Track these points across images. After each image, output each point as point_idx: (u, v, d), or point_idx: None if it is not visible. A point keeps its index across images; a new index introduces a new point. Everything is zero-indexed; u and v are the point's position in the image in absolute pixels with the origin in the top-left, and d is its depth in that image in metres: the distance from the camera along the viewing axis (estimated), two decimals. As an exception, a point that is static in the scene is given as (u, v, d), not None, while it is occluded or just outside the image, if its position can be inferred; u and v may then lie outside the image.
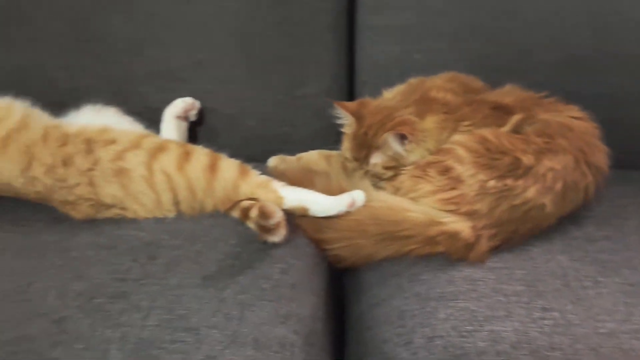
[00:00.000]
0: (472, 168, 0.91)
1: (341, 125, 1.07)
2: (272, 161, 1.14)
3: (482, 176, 0.90)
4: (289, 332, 0.80)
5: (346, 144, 1.06)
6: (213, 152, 0.98)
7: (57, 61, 1.13)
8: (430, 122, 1.00)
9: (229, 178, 0.95)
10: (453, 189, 0.90)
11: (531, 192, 0.90)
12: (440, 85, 1.04)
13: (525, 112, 0.99)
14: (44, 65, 1.13)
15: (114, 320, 0.77)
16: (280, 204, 0.94)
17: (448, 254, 0.89)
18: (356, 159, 1.04)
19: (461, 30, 1.12)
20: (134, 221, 0.95)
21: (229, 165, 0.96)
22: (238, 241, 0.91)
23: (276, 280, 0.86)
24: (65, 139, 0.95)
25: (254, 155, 1.12)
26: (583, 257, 0.90)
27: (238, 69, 1.14)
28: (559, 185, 0.91)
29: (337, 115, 1.06)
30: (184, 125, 1.11)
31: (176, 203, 0.95)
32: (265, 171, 1.01)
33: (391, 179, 1.02)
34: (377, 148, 1.01)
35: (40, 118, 1.00)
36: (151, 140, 0.97)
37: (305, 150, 1.17)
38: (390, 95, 1.08)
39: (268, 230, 0.88)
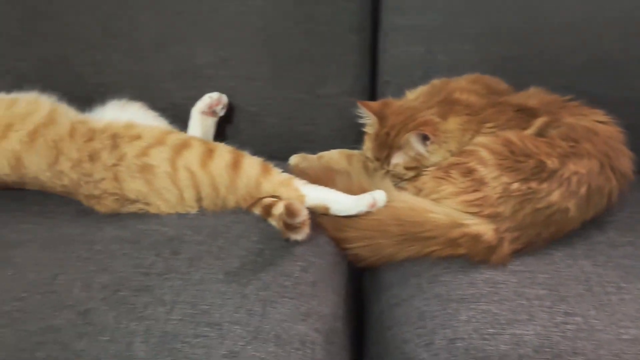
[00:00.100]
0: (495, 170, 0.90)
1: (363, 125, 1.07)
2: (294, 159, 1.14)
3: (505, 179, 0.89)
4: (310, 329, 0.81)
5: (368, 144, 1.06)
6: (236, 149, 0.99)
7: (84, 56, 1.14)
8: (453, 123, 1.00)
9: (251, 176, 0.96)
10: (476, 190, 0.90)
11: (555, 196, 0.89)
12: (464, 86, 1.04)
13: (550, 115, 0.98)
14: (71, 60, 1.15)
15: (138, 314, 0.78)
16: (301, 202, 0.94)
17: (470, 256, 0.88)
18: (377, 159, 1.04)
19: (486, 32, 1.11)
20: (157, 216, 0.96)
21: (251, 163, 0.97)
22: (260, 238, 0.92)
23: (297, 278, 0.87)
24: (91, 135, 0.96)
25: (274, 152, 1.13)
26: (606, 262, 0.90)
27: (262, 67, 1.14)
28: (583, 190, 0.91)
29: (360, 114, 1.06)
30: (211, 121, 1.12)
31: (199, 199, 0.96)
32: (287, 169, 1.01)
33: (412, 179, 1.02)
34: (399, 148, 1.01)
35: (67, 113, 1.02)
36: (175, 136, 0.98)
37: (326, 149, 1.17)
38: (414, 96, 1.08)
39: (293, 228, 0.88)
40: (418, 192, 0.97)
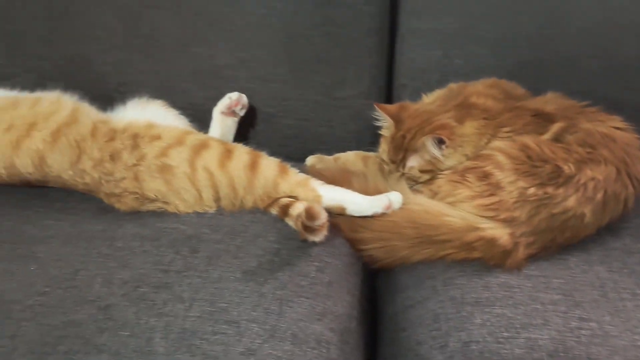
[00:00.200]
0: (512, 175, 0.91)
1: (379, 127, 1.08)
2: (310, 160, 1.15)
3: (522, 183, 0.90)
4: (325, 329, 0.82)
5: (384, 146, 1.07)
6: (253, 150, 1.00)
7: (107, 56, 1.16)
8: (469, 127, 1.00)
9: (269, 176, 0.97)
10: (492, 195, 0.91)
11: (571, 202, 0.89)
12: (481, 91, 1.05)
13: (567, 121, 0.98)
14: (94, 60, 1.17)
15: (157, 310, 0.79)
16: (318, 202, 0.95)
17: (485, 260, 0.89)
18: (393, 162, 1.05)
19: (503, 36, 1.11)
20: (176, 214, 0.97)
21: (269, 164, 0.98)
22: (277, 238, 0.93)
23: (313, 278, 0.88)
24: (112, 134, 0.98)
25: (291, 153, 1.14)
26: (621, 268, 0.90)
27: (280, 69, 1.15)
28: (599, 196, 0.91)
29: (376, 117, 1.07)
30: (231, 121, 1.13)
31: (217, 199, 0.98)
32: (303, 170, 1.02)
33: (427, 182, 1.02)
34: (415, 151, 1.02)
35: (89, 112, 1.04)
36: (194, 137, 1.00)
37: (341, 150, 1.18)
38: (430, 99, 1.09)
39: (312, 230, 0.90)
40: (433, 195, 0.98)
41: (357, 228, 0.97)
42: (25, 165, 0.97)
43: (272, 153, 1.01)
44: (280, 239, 0.93)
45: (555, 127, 0.98)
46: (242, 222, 0.95)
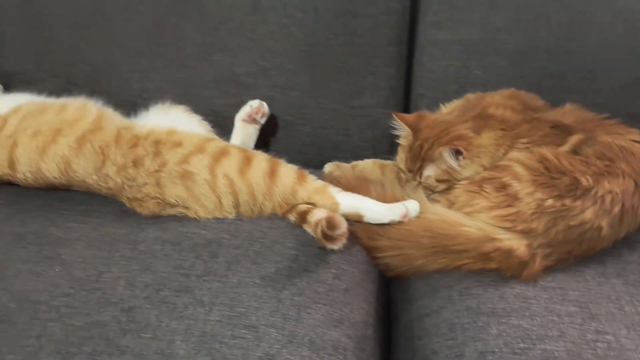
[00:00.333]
0: (530, 186, 0.91)
1: (396, 136, 1.09)
2: (328, 167, 1.17)
3: (540, 195, 0.90)
4: (342, 335, 0.83)
5: (401, 155, 1.08)
6: (272, 157, 1.01)
7: (131, 63, 1.19)
8: (486, 138, 1.01)
9: (287, 183, 0.98)
10: (510, 206, 0.91)
11: (589, 214, 0.90)
12: (499, 102, 1.05)
13: (586, 133, 0.99)
14: (119, 67, 1.19)
15: (179, 313, 0.81)
16: (335, 209, 0.97)
17: (501, 270, 0.90)
18: (410, 171, 1.06)
19: (523, 48, 1.12)
20: (196, 219, 0.99)
21: (287, 171, 1.00)
22: (294, 244, 0.94)
23: (330, 285, 0.89)
24: (135, 141, 1.00)
25: (309, 160, 1.16)
26: (637, 281, 0.90)
27: (300, 78, 1.17)
28: (617, 209, 0.91)
29: (394, 126, 1.08)
30: (252, 129, 1.15)
31: (236, 206, 0.99)
32: (321, 177, 1.04)
33: (444, 192, 1.03)
34: (432, 161, 1.02)
35: (113, 118, 1.06)
36: (215, 144, 1.01)
37: (358, 158, 1.19)
38: (448, 109, 1.10)
39: (331, 239, 0.91)
40: (451, 205, 0.98)
41: (374, 236, 0.98)
42: (51, 170, 1.00)
43: (291, 160, 1.02)
44: (298, 246, 0.94)
45: (574, 139, 0.98)
46: (261, 228, 0.97)
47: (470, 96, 1.10)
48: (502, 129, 1.02)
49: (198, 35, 1.16)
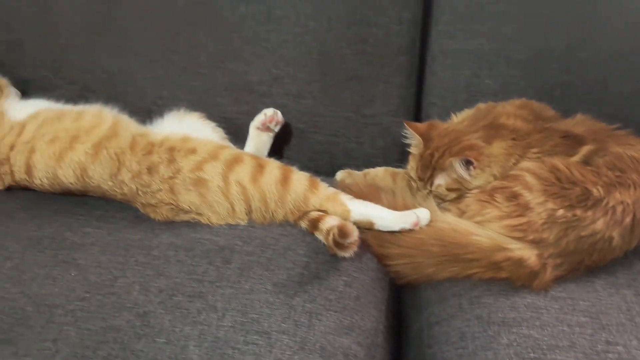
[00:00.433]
0: (541, 196, 0.92)
1: (407, 145, 1.10)
2: (340, 175, 1.18)
3: (551, 205, 0.91)
4: (353, 343, 0.84)
5: (412, 164, 1.08)
6: (284, 165, 1.02)
7: (146, 71, 1.21)
8: (497, 147, 1.02)
9: (299, 191, 0.99)
10: (521, 215, 0.92)
11: (599, 224, 0.90)
12: (510, 111, 1.06)
13: (597, 144, 0.99)
14: (134, 74, 1.21)
15: (192, 318, 0.82)
16: (347, 216, 0.98)
17: (512, 280, 0.90)
18: (421, 179, 1.06)
19: (534, 57, 1.13)
20: (209, 225, 1.00)
21: (299, 178, 1.00)
22: (306, 251, 0.95)
23: (341, 292, 0.90)
24: (150, 148, 1.01)
25: (320, 168, 1.17)
26: (648, 292, 0.90)
27: (312, 86, 1.18)
28: (628, 220, 0.91)
29: (405, 134, 1.09)
30: (266, 136, 1.16)
31: (249, 212, 1.00)
32: (332, 184, 1.04)
33: (454, 201, 1.04)
34: (442, 170, 1.03)
35: (128, 125, 1.07)
36: (228, 152, 1.03)
37: (369, 166, 1.20)
38: (459, 119, 1.11)
39: (342, 247, 0.92)
40: (461, 214, 0.99)
41: (385, 244, 0.99)
42: (67, 176, 1.01)
43: (302, 167, 1.03)
44: (310, 253, 0.95)
45: (585, 150, 0.99)
46: (273, 235, 0.98)
47: (481, 105, 1.11)
48: (513, 139, 1.02)
49: (212, 43, 1.17)
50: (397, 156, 1.20)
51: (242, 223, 1.00)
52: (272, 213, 1.00)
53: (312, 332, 0.82)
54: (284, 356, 0.78)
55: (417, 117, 1.24)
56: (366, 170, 1.18)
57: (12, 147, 1.04)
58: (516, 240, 0.91)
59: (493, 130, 1.03)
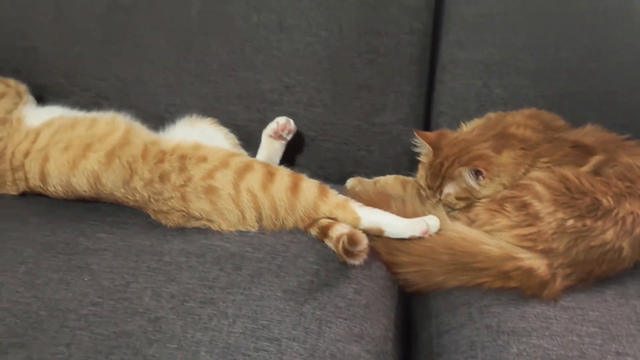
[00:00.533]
0: (551, 206, 0.92)
1: (417, 153, 1.11)
2: (350, 182, 1.18)
3: (561, 215, 0.91)
4: (362, 350, 0.84)
5: (421, 172, 1.09)
6: (294, 172, 1.03)
7: (159, 78, 1.22)
8: (506, 157, 1.02)
9: (309, 198, 1.00)
10: (530, 225, 0.92)
11: (609, 235, 0.90)
12: (520, 121, 1.06)
13: (607, 154, 0.99)
14: (147, 82, 1.23)
15: (203, 324, 0.83)
16: (357, 224, 0.98)
17: (521, 289, 0.90)
18: (430, 188, 1.07)
19: (544, 68, 1.13)
20: (219, 232, 1.01)
21: (309, 186, 1.01)
22: (316, 259, 0.96)
23: (351, 300, 0.90)
24: (162, 156, 1.02)
25: (329, 175, 1.18)
26: (658, 303, 0.90)
27: (323, 95, 1.19)
28: (638, 230, 0.92)
29: (415, 143, 1.09)
30: (278, 144, 1.17)
31: (259, 220, 1.01)
32: (342, 191, 1.05)
33: (463, 209, 1.04)
34: (452, 179, 1.04)
35: (140, 133, 1.08)
36: (238, 159, 1.04)
37: (379, 174, 1.21)
38: (469, 128, 1.11)
39: (352, 254, 0.92)
40: (471, 222, 0.99)
41: (394, 251, 0.99)
42: (81, 184, 1.03)
43: (312, 175, 1.04)
44: (319, 260, 0.96)
45: (595, 160, 0.99)
46: (283, 242, 0.99)
47: (491, 115, 1.12)
48: (523, 148, 1.03)
49: (224, 52, 1.19)
50: (407, 164, 1.21)
51: (253, 230, 1.01)
52: (283, 220, 1.01)
53: (322, 339, 0.83)
54: (294, 363, 0.79)
55: (427, 126, 1.25)
56: (376, 178, 1.19)
57: (26, 154, 1.06)
58: (526, 250, 0.91)
59: (503, 139, 1.04)
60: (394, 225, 0.98)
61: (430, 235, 0.97)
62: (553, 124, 1.07)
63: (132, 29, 1.21)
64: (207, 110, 1.19)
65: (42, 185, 1.06)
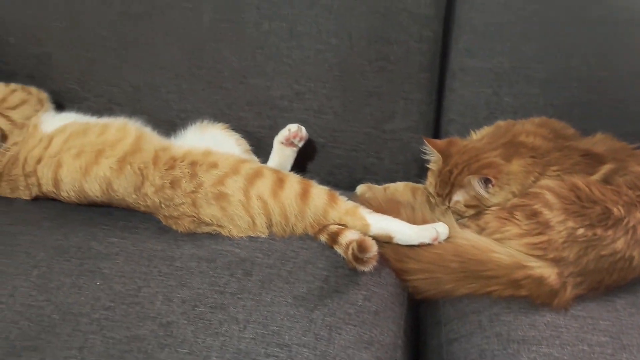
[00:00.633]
0: (561, 214, 0.92)
1: (426, 160, 1.11)
2: (360, 189, 1.19)
3: (571, 223, 0.91)
4: (372, 357, 0.84)
5: (431, 180, 1.09)
6: (304, 179, 1.04)
7: (171, 85, 1.23)
8: (516, 165, 1.02)
9: (319, 205, 1.00)
10: (541, 233, 0.92)
11: (620, 244, 0.90)
12: (530, 129, 1.07)
13: (617, 163, 0.99)
14: (159, 88, 1.24)
15: (214, 330, 0.83)
16: (366, 230, 0.99)
17: (531, 298, 0.90)
18: (439, 195, 1.07)
19: (555, 76, 1.13)
20: (229, 237, 1.01)
21: (319, 193, 1.02)
22: (325, 265, 0.96)
23: (360, 307, 0.91)
24: (172, 163, 1.03)
25: (339, 182, 1.19)
26: (669, 313, 0.90)
27: (333, 102, 1.20)
28: (648, 239, 0.92)
29: (425, 150, 1.10)
30: (290, 151, 1.18)
31: (269, 226, 1.01)
32: (351, 198, 1.05)
33: (473, 217, 1.04)
34: (461, 187, 1.04)
35: (151, 139, 1.09)
36: (249, 166, 1.04)
37: (388, 181, 1.21)
38: (478, 136, 1.12)
39: (362, 261, 0.93)
40: (481, 230, 0.99)
41: (403, 258, 1.00)
42: (93, 190, 1.04)
43: (321, 181, 1.05)
44: (329, 267, 0.96)
45: (605, 169, 0.99)
46: (293, 248, 0.99)
47: (501, 123, 1.12)
48: (532, 157, 1.03)
49: (236, 59, 1.20)
50: (417, 172, 1.22)
51: (263, 236, 1.02)
52: (292, 226, 1.02)
53: (332, 345, 0.83)
54: (304, 369, 0.79)
55: (437, 133, 1.25)
56: (386, 185, 1.19)
57: (39, 160, 1.07)
58: (536, 259, 0.91)
59: (512, 148, 1.04)
60: (404, 231, 0.99)
61: (439, 242, 0.98)
62: (563, 133, 1.07)
63: (145, 35, 1.22)
64: (217, 116, 1.20)
65: (55, 191, 1.07)
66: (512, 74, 1.15)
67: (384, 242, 0.99)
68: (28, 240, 1.00)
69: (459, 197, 1.05)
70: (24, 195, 1.11)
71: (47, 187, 1.07)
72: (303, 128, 1.15)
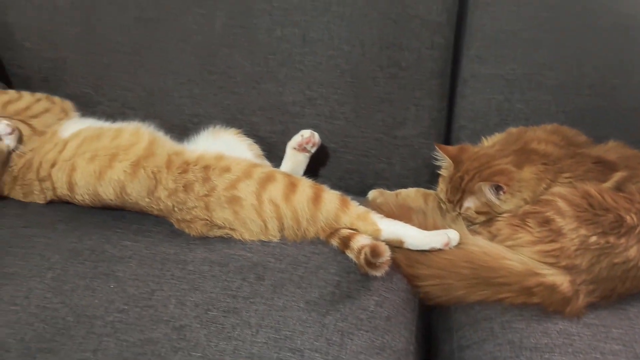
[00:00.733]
0: (574, 222, 0.92)
1: (437, 166, 1.11)
2: (372, 194, 1.19)
3: (584, 231, 0.91)
4: (384, 363, 0.85)
5: (442, 186, 1.10)
6: (316, 183, 1.04)
7: (184, 90, 1.24)
8: (527, 172, 1.02)
9: (330, 209, 1.01)
10: (553, 241, 0.92)
11: (633, 252, 0.90)
12: (541, 136, 1.07)
13: (629, 170, 0.99)
14: (172, 93, 1.25)
15: (227, 334, 0.84)
16: (377, 235, 0.99)
17: (544, 306, 0.90)
18: (450, 201, 1.07)
19: (566, 83, 1.14)
20: (242, 241, 1.02)
21: (331, 197, 1.02)
22: (337, 270, 0.96)
23: (372, 312, 0.91)
24: (185, 167, 1.04)
25: (350, 187, 1.19)
26: (682, 321, 0.90)
27: (345, 107, 1.21)
28: (661, 248, 0.91)
29: (436, 156, 1.10)
30: (302, 157, 1.18)
31: (281, 230, 1.02)
32: (362, 203, 1.05)
33: (484, 224, 1.04)
34: (472, 193, 1.04)
35: (164, 144, 1.10)
36: (261, 170, 1.05)
37: (399, 186, 1.22)
38: (490, 143, 1.12)
39: (374, 266, 0.93)
40: (492, 237, 0.99)
41: (415, 264, 1.00)
42: (107, 193, 1.04)
43: (333, 186, 1.05)
44: (341, 272, 0.96)
45: (617, 176, 0.99)
46: (305, 253, 1.00)
47: (512, 130, 1.12)
48: (544, 164, 1.03)
49: (248, 65, 1.21)
50: (427, 178, 1.22)
51: (275, 240, 1.02)
52: (304, 231, 1.02)
53: (344, 351, 0.83)
54: (317, 374, 0.79)
55: (448, 140, 1.25)
56: (398, 191, 1.20)
57: (53, 164, 1.08)
58: (549, 266, 0.91)
59: (524, 155, 1.04)
60: (415, 236, 0.99)
61: (450, 248, 0.98)
62: (575, 140, 1.08)
63: (158, 41, 1.23)
64: (229, 121, 1.21)
65: (69, 194, 1.08)
66: (524, 80, 1.15)
67: (394, 246, 0.99)
68: (43, 242, 1.01)
69: (470, 203, 1.05)
70: (39, 199, 1.12)
71: (62, 190, 1.08)
72: (316, 134, 1.16)
